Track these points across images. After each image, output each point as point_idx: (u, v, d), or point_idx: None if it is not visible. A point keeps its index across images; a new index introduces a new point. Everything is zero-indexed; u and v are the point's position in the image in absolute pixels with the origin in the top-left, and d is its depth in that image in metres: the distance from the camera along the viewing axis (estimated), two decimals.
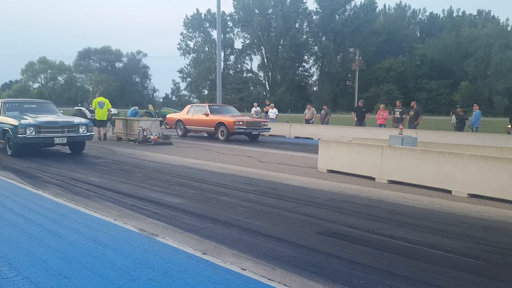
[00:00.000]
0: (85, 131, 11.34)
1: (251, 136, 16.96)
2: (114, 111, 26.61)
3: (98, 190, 7.03)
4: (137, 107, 21.69)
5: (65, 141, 11.08)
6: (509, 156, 6.98)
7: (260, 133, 17.49)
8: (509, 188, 6.36)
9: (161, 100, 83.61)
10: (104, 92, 69.42)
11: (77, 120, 11.77)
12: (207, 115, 17.13)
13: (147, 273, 3.56)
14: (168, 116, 20.32)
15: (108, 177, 8.28)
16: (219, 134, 16.63)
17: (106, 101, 16.26)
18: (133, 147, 14.13)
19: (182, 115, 18.90)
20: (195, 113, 17.99)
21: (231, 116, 16.86)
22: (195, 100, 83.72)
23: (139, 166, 9.85)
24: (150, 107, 25.77)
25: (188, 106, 19.40)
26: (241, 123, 16.07)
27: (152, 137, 15.03)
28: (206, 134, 18.21)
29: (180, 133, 18.49)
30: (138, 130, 15.11)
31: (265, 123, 17.62)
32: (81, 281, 3.36)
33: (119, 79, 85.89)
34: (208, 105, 18.20)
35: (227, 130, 16.24)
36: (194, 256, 4.02)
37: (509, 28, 69.74)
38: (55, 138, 10.82)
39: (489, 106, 58.45)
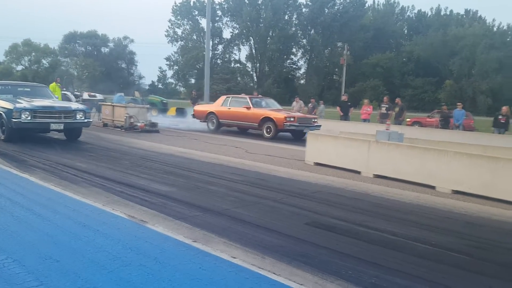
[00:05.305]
0: (83, 118, 10.91)
1: (299, 134, 15.08)
2: (100, 97, 26.40)
3: (85, 175, 6.99)
4: (123, 94, 21.51)
5: (61, 127, 10.62)
6: (492, 155, 7.15)
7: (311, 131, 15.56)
8: (492, 185, 6.53)
9: (147, 87, 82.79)
10: (89, 77, 68.48)
11: (74, 105, 11.42)
12: (248, 108, 15.49)
13: (138, 258, 3.59)
14: (196, 108, 18.58)
15: (95, 163, 8.23)
16: (265, 131, 14.93)
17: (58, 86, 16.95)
18: (119, 134, 14.02)
19: (215, 107, 17.12)
20: (231, 105, 16.30)
21: (278, 111, 15.40)
22: (182, 89, 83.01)
23: (126, 153, 9.81)
24: (137, 94, 25.53)
25: (222, 97, 17.58)
26: (292, 119, 14.36)
27: (139, 124, 14.94)
28: (237, 129, 16.85)
29: (212, 127, 16.75)
30: (124, 117, 15.00)
31: (315, 120, 15.60)
32: (72, 265, 3.37)
33: (105, 64, 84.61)
34: (249, 97, 16.51)
35: (275, 126, 14.53)
36: (184, 243, 4.05)
37: (495, 29, 70.58)
38: (51, 124, 10.35)
39: (473, 105, 59.32)
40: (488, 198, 6.50)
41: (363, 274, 3.56)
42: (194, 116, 18.02)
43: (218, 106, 16.98)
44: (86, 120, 11.06)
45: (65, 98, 21.64)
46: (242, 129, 16.62)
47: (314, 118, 15.92)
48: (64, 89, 24.97)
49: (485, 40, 62.93)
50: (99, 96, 26.77)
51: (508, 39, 65.81)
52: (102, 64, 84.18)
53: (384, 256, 4.04)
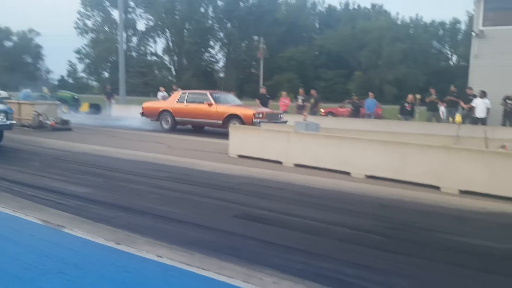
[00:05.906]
0: (4, 119, 9.73)
1: None
2: (4, 94, 24.31)
3: None
4: (29, 90, 19.95)
5: None
6: (401, 140, 7.69)
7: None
8: (401, 169, 7.02)
9: (56, 82, 77.71)
10: None
11: None
12: (210, 105, 14.19)
13: (56, 266, 3.36)
14: (145, 105, 16.65)
15: (3, 166, 7.55)
16: None
17: None
18: (28, 133, 13.00)
19: (170, 104, 15.59)
20: (189, 102, 14.94)
21: (243, 107, 14.62)
22: (94, 83, 79.14)
23: (37, 154, 9.15)
24: (45, 89, 23.86)
25: (177, 93, 16.25)
26: (261, 115, 13.40)
27: (48, 122, 13.98)
28: (191, 127, 15.72)
29: (166, 127, 15.28)
30: (33, 115, 13.95)
31: (282, 115, 14.85)
32: None
33: (8, 59, 78.05)
34: (210, 93, 15.08)
35: (242, 123, 13.10)
36: (106, 246, 3.87)
37: (398, 22, 75.89)
38: None
39: (380, 95, 63.34)
40: (399, 181, 6.97)
41: (291, 261, 3.66)
42: (143, 114, 16.38)
43: (173, 102, 15.50)
44: (8, 122, 9.91)
45: None
46: (199, 127, 15.56)
47: (281, 113, 15.32)
48: None
49: (390, 33, 67.41)
50: (3, 94, 24.66)
51: (410, 32, 71.09)
52: (5, 58, 77.79)
53: (309, 242, 4.19)
